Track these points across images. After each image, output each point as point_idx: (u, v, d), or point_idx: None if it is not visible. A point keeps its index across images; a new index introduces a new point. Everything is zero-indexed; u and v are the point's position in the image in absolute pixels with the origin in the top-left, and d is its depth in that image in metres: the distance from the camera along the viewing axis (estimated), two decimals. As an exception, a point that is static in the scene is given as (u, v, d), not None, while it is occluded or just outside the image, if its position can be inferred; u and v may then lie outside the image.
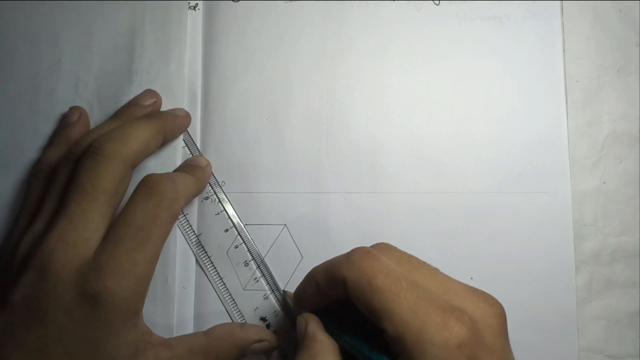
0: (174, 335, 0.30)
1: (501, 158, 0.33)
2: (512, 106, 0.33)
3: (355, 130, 0.33)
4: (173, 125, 0.31)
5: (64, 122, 0.31)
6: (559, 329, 0.31)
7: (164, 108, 0.33)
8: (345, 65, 0.34)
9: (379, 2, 0.34)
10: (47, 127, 0.32)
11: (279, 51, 0.34)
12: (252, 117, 0.33)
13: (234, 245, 0.32)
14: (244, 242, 0.32)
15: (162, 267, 0.31)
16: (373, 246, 0.26)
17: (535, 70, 0.34)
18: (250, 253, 0.32)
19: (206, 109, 0.33)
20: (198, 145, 0.33)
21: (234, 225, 0.32)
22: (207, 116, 0.33)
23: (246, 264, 0.32)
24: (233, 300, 0.31)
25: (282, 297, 0.31)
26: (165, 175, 0.27)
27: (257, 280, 0.32)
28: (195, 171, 0.31)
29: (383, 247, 0.25)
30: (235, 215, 0.32)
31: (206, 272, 0.32)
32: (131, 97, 0.32)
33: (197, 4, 0.34)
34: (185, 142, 0.33)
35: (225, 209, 0.32)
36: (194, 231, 0.32)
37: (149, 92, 0.32)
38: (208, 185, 0.32)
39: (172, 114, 0.32)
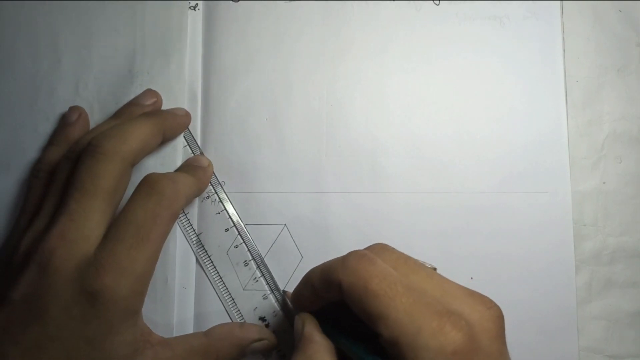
0: (174, 335, 0.30)
1: (501, 158, 0.33)
2: (512, 106, 0.33)
3: (355, 130, 0.33)
4: (173, 123, 0.31)
5: (63, 122, 0.31)
6: (559, 329, 0.31)
7: (164, 108, 0.33)
8: (345, 65, 0.34)
9: (379, 2, 0.34)
10: (47, 127, 0.32)
11: (279, 51, 0.34)
12: (253, 117, 0.33)
13: (234, 245, 0.32)
14: (244, 241, 0.32)
15: (162, 266, 0.31)
16: (370, 247, 0.25)
17: (535, 70, 0.34)
18: (250, 253, 0.32)
19: (206, 109, 0.33)
20: (198, 145, 0.33)
21: (234, 225, 0.32)
22: (207, 116, 0.33)
23: (246, 263, 0.32)
24: (233, 300, 0.31)
25: (282, 297, 0.32)
26: (166, 175, 0.27)
27: (257, 280, 0.32)
28: (197, 171, 0.31)
29: (380, 249, 0.25)
30: (236, 214, 0.32)
31: (206, 271, 0.32)
32: (131, 97, 0.32)
33: (197, 4, 0.34)
34: (186, 141, 0.33)
35: (225, 209, 0.32)
36: (194, 230, 0.32)
37: (150, 92, 0.32)
38: (209, 184, 0.32)
39: (172, 112, 0.32)
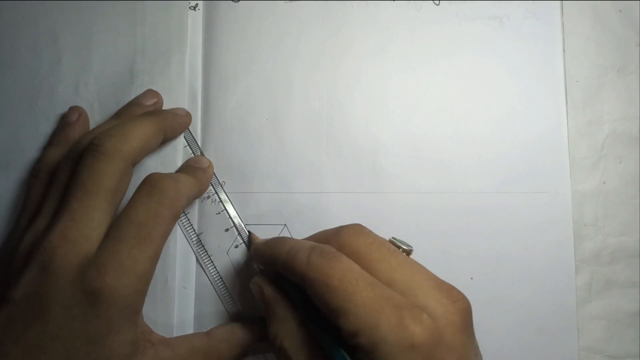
0: (174, 335, 0.30)
1: (501, 158, 0.33)
2: (512, 106, 0.33)
3: (355, 130, 0.33)
4: (173, 123, 0.31)
5: (63, 122, 0.31)
6: (559, 329, 0.31)
7: (164, 108, 0.33)
8: (345, 65, 0.34)
9: (379, 2, 0.34)
10: (47, 127, 0.32)
11: (279, 51, 0.34)
12: (253, 117, 0.33)
13: (234, 245, 0.32)
14: (244, 242, 0.32)
15: (162, 266, 0.31)
16: (345, 228, 0.25)
17: (535, 70, 0.34)
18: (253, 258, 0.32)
19: (206, 109, 0.33)
20: (198, 145, 0.33)
21: (235, 225, 0.32)
22: (207, 116, 0.33)
23: (246, 263, 0.32)
24: (233, 300, 0.31)
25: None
26: (168, 174, 0.27)
27: (257, 280, 0.32)
28: (197, 172, 0.31)
29: (355, 231, 0.25)
30: (236, 215, 0.32)
31: (206, 271, 0.32)
32: (132, 97, 0.32)
33: (197, 4, 0.34)
34: (187, 141, 0.33)
35: (226, 209, 0.32)
36: (194, 230, 0.32)
37: (150, 92, 0.32)
38: (209, 185, 0.32)
39: (173, 112, 0.32)
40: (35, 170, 0.30)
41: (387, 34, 0.34)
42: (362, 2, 0.34)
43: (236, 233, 0.32)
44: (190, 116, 0.33)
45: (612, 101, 0.34)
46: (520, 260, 0.32)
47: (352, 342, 0.21)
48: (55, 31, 0.34)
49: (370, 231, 0.25)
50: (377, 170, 0.33)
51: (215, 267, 0.32)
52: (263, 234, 0.32)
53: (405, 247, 0.25)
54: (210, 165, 0.32)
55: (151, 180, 0.26)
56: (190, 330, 0.31)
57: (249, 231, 0.32)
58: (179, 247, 0.32)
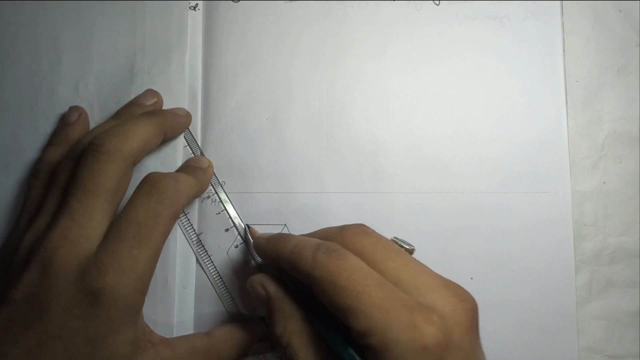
0: (174, 335, 0.30)
1: (501, 158, 0.33)
2: (512, 106, 0.33)
3: (355, 130, 0.33)
4: (173, 123, 0.31)
5: (63, 122, 0.31)
6: (559, 329, 0.31)
7: (164, 108, 0.33)
8: (345, 65, 0.34)
9: (379, 2, 0.34)
10: (47, 127, 0.32)
11: (279, 51, 0.34)
12: (253, 117, 0.33)
13: (234, 245, 0.32)
14: (244, 241, 0.32)
15: (162, 266, 0.31)
16: (348, 228, 0.25)
17: (535, 70, 0.34)
18: (251, 253, 0.32)
19: (206, 109, 0.33)
20: (198, 145, 0.33)
21: (235, 225, 0.32)
22: (207, 116, 0.33)
23: (246, 263, 0.32)
24: (233, 300, 0.31)
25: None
26: (168, 174, 0.27)
27: (257, 280, 0.32)
28: (197, 172, 0.31)
29: (360, 231, 0.25)
30: (236, 215, 0.32)
31: (206, 271, 0.32)
32: (132, 97, 0.32)
33: (197, 4, 0.34)
34: (187, 141, 0.33)
35: (226, 209, 0.32)
36: (194, 230, 0.32)
37: (150, 92, 0.32)
38: (209, 185, 0.32)
39: (173, 112, 0.32)
40: (35, 170, 0.30)
41: (387, 34, 0.34)
42: (362, 2, 0.34)
43: (236, 233, 0.32)
44: (191, 116, 0.32)
45: (612, 101, 0.34)
46: (521, 260, 0.32)
47: (362, 342, 0.21)
48: (55, 31, 0.34)
49: (374, 231, 0.25)
50: (377, 170, 0.33)
51: (215, 267, 0.32)
52: (263, 234, 0.32)
53: (407, 247, 0.25)
54: (210, 165, 0.32)
55: (150, 180, 0.26)
56: (190, 330, 0.31)
57: (246, 225, 0.32)
58: (179, 247, 0.32)
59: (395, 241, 0.25)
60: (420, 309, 0.21)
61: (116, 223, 0.25)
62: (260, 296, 0.27)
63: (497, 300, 0.32)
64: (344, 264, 0.22)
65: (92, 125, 0.32)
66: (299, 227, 0.32)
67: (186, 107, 0.33)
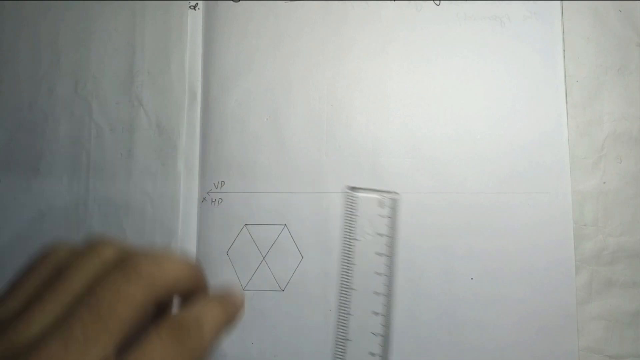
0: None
1: (501, 158, 0.33)
2: (512, 106, 0.33)
3: (355, 130, 0.33)
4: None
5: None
6: (559, 329, 0.31)
7: (164, 108, 0.33)
8: (345, 65, 0.34)
9: (379, 2, 0.34)
10: (46, 127, 0.32)
11: (279, 51, 0.34)
12: (253, 117, 0.33)
13: (234, 245, 0.32)
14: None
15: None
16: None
17: (535, 70, 0.34)
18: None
19: (206, 109, 0.33)
20: (198, 146, 0.33)
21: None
22: (207, 116, 0.33)
23: (246, 263, 0.32)
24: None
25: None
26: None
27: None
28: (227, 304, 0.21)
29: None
30: (237, 215, 0.32)
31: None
32: (132, 97, 0.32)
33: (197, 4, 0.34)
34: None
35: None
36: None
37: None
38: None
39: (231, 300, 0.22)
40: (49, 249, 0.19)
41: (387, 34, 0.34)
42: (362, 2, 0.34)
43: (236, 233, 0.32)
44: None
45: (612, 101, 0.34)
46: (521, 260, 0.32)
47: None
48: (55, 31, 0.34)
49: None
50: (377, 170, 0.33)
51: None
52: (263, 233, 0.32)
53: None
54: (242, 300, 0.22)
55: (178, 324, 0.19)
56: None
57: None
58: (179, 247, 0.32)
59: None
60: None
61: None
62: None
63: (497, 300, 0.31)
64: None
65: (93, 128, 0.32)
66: (299, 227, 0.32)
67: (186, 107, 0.33)
